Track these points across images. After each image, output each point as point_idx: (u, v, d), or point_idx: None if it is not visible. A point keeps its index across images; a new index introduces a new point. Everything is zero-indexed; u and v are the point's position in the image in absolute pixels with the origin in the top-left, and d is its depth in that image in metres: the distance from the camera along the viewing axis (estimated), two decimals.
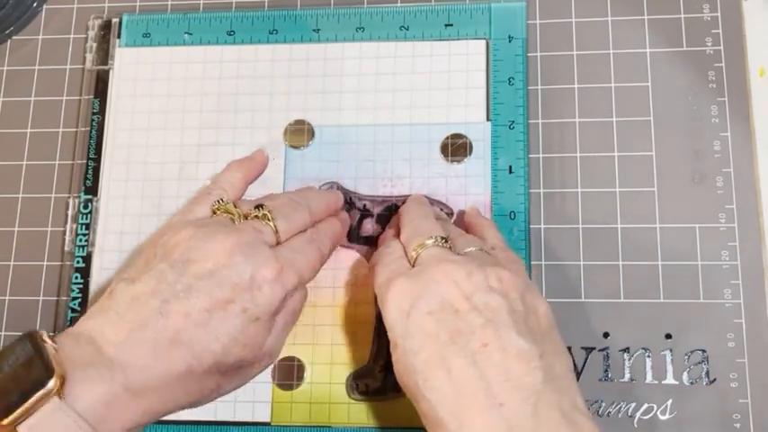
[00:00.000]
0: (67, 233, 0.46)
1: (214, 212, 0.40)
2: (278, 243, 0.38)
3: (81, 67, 0.49)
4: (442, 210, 0.44)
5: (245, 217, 0.39)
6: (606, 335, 0.42)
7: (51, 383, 0.31)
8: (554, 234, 0.44)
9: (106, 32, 0.49)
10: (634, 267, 0.43)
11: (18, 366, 0.32)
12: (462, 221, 0.43)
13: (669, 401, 0.41)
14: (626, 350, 0.42)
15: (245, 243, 0.36)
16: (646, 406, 0.41)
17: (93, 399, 0.32)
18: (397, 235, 0.40)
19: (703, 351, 0.41)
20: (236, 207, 0.40)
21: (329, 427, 0.42)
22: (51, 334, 0.34)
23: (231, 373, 0.36)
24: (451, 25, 0.46)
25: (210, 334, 0.35)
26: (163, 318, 0.34)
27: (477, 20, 0.46)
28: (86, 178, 0.47)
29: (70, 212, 0.46)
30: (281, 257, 0.37)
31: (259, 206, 0.39)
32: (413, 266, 0.36)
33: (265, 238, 0.38)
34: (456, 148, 0.45)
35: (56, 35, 0.50)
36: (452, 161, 0.45)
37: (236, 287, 0.35)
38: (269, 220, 0.38)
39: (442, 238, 0.37)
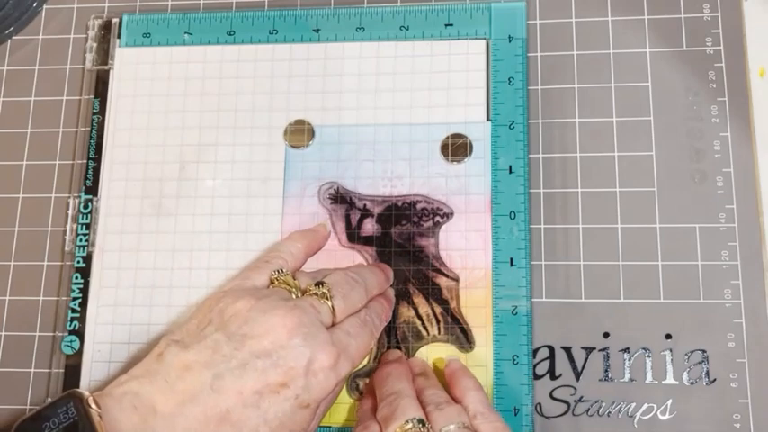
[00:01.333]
0: (67, 233, 0.46)
1: (272, 282, 0.39)
2: (333, 323, 0.38)
3: (81, 67, 0.49)
4: (441, 210, 0.44)
5: (304, 292, 0.38)
6: (606, 335, 0.42)
7: None
8: (554, 234, 0.44)
9: (106, 32, 0.49)
10: (634, 267, 0.43)
11: (61, 431, 0.31)
12: (444, 374, 0.41)
13: (669, 401, 0.41)
14: (626, 350, 0.42)
15: (305, 323, 0.35)
16: (646, 406, 0.41)
17: None
18: (373, 408, 0.39)
19: (703, 351, 0.41)
20: (294, 279, 0.39)
21: (329, 426, 0.42)
22: (94, 395, 0.33)
23: None
24: (451, 25, 0.46)
25: (260, 416, 0.34)
26: (215, 393, 0.33)
27: (477, 20, 0.46)
28: (86, 178, 0.47)
29: (70, 212, 0.46)
30: (337, 342, 0.36)
31: (319, 283, 0.38)
32: None
33: (323, 318, 0.37)
34: (456, 147, 0.45)
35: (56, 35, 0.50)
36: (452, 161, 0.45)
37: (291, 371, 0.34)
38: (327, 298, 0.38)
39: (419, 421, 0.35)
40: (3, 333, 0.46)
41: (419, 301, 0.43)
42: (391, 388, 0.38)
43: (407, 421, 0.35)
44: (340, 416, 0.42)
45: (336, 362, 0.35)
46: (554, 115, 0.45)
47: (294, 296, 0.38)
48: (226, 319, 0.35)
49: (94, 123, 0.47)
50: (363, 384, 0.42)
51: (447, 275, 0.43)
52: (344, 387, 0.42)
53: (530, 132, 0.45)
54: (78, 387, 0.43)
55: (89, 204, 0.46)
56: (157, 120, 0.47)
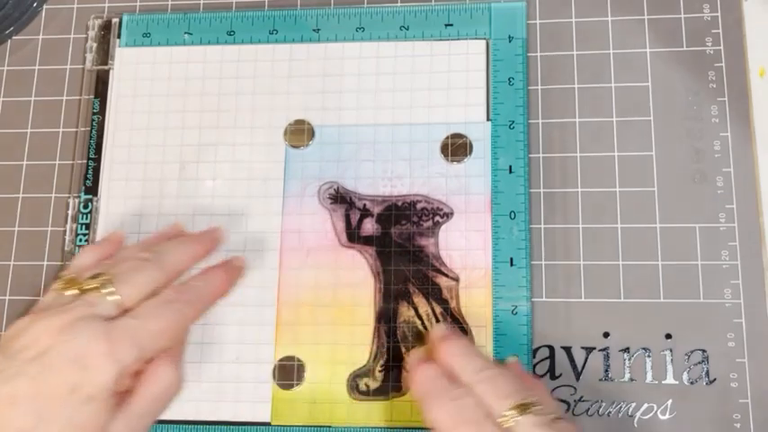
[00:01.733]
0: (67, 233, 0.46)
1: (62, 291, 0.37)
2: (126, 311, 0.36)
3: (81, 67, 0.49)
4: (441, 210, 0.44)
5: (83, 289, 0.36)
6: (606, 335, 0.42)
7: None
8: (554, 234, 0.44)
9: (106, 32, 0.49)
10: (634, 267, 0.43)
11: None
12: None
13: (669, 401, 0.41)
14: (626, 350, 0.42)
15: (73, 320, 0.34)
16: (646, 406, 0.41)
17: None
18: (445, 368, 0.37)
19: (703, 351, 0.41)
20: (78, 278, 0.37)
21: (329, 426, 0.42)
22: None
23: None
24: (451, 25, 0.46)
25: (40, 420, 0.32)
26: None
27: (477, 20, 0.46)
28: (86, 178, 0.47)
29: (70, 212, 0.46)
30: (115, 330, 0.34)
31: (96, 275, 0.36)
32: None
33: (99, 310, 0.35)
34: (456, 147, 0.45)
35: (56, 35, 0.50)
36: (452, 161, 0.45)
37: (63, 368, 0.33)
38: (107, 288, 0.35)
39: (540, 406, 0.34)
40: (3, 333, 0.46)
41: (419, 300, 0.43)
42: (479, 363, 0.36)
43: (527, 403, 0.34)
44: (340, 416, 0.42)
45: (113, 349, 0.33)
46: (554, 115, 0.45)
47: (74, 295, 0.36)
48: (7, 342, 0.34)
49: (94, 123, 0.47)
50: (364, 384, 0.42)
51: (447, 275, 0.43)
52: (344, 387, 0.42)
53: (530, 132, 0.45)
54: None
55: (89, 204, 0.46)
56: (157, 120, 0.47)
